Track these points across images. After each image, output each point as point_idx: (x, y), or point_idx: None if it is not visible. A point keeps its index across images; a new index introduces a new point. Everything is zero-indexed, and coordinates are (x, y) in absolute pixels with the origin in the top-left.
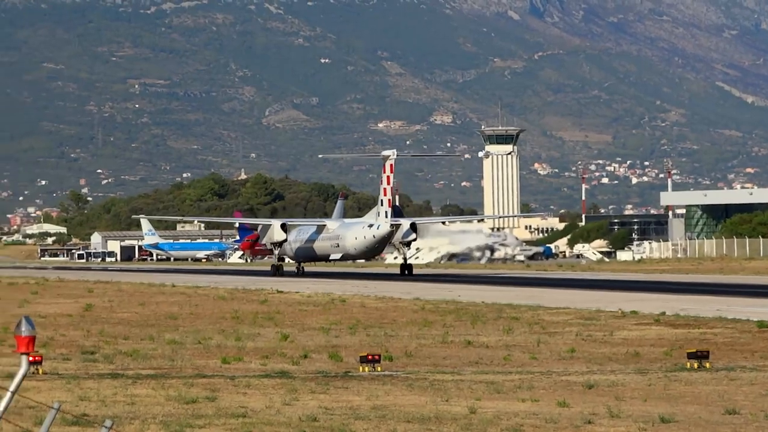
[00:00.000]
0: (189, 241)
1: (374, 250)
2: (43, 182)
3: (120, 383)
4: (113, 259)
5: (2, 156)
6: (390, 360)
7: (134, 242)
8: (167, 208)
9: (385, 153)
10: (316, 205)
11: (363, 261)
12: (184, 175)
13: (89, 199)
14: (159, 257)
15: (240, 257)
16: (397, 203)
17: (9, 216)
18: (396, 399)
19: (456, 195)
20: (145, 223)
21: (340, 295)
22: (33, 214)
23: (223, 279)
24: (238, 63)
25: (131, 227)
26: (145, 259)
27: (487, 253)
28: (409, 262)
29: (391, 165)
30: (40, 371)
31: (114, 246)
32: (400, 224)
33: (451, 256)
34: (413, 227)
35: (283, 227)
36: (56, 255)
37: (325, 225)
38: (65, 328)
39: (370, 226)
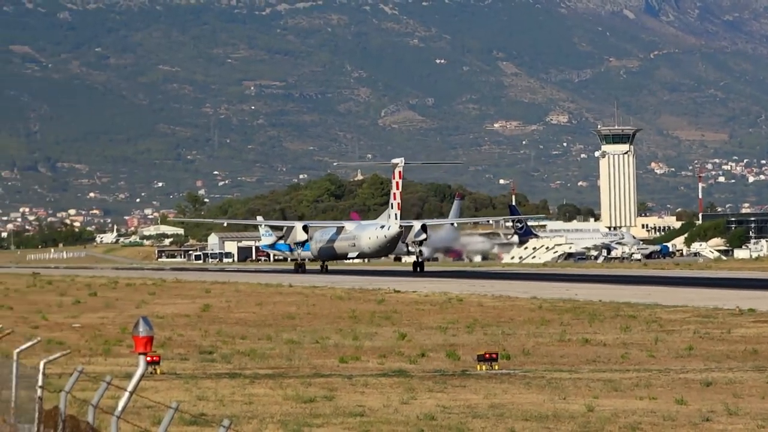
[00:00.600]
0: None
1: (386, 248)
2: (160, 184)
3: (238, 383)
4: (230, 260)
5: (119, 158)
6: (507, 359)
7: (251, 243)
8: (284, 209)
9: (395, 161)
10: (433, 205)
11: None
12: (301, 176)
13: (206, 200)
14: (276, 258)
15: None
16: (513, 202)
17: (126, 218)
18: (513, 397)
19: (573, 195)
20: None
21: (457, 294)
22: (150, 216)
23: (339, 279)
24: (353, 64)
25: (248, 228)
26: (261, 260)
27: (604, 252)
28: (421, 260)
29: (400, 172)
30: (158, 371)
31: (231, 247)
32: (412, 225)
33: (568, 256)
34: (424, 228)
35: (305, 229)
36: (173, 256)
37: (343, 227)
38: (183, 328)
39: (382, 227)
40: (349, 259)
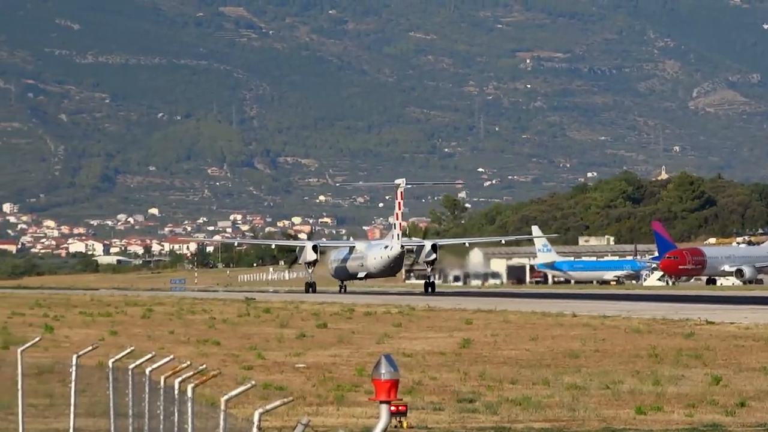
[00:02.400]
0: (594, 259)
1: (391, 269)
2: (409, 186)
3: None
4: (498, 282)
5: (358, 151)
6: None
7: (525, 261)
8: (566, 216)
9: (397, 181)
10: (757, 212)
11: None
12: (589, 174)
13: (467, 205)
14: (555, 279)
15: (659, 279)
16: None
17: (366, 228)
18: None
19: None
20: (538, 237)
21: None
22: None
23: (635, 306)
24: (657, 30)
25: (520, 242)
26: (539, 282)
27: None
28: (432, 280)
29: (401, 192)
30: (405, 425)
31: (499, 265)
32: (423, 245)
33: None
34: (434, 248)
35: (315, 249)
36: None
37: (354, 247)
38: (436, 369)
39: (386, 247)
40: (359, 279)
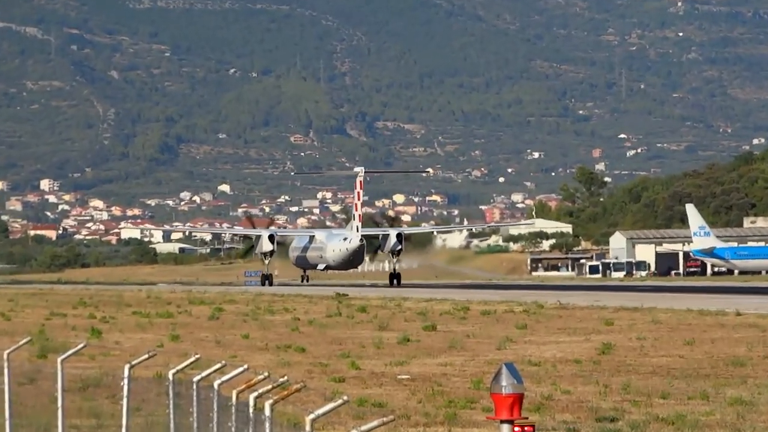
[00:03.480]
0: (763, 244)
1: (350, 262)
2: (536, 154)
3: None
4: (644, 273)
5: (474, 113)
6: None
7: (677, 247)
8: (728, 193)
9: (356, 170)
10: None
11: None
12: (755, 141)
13: (607, 179)
14: (715, 269)
15: None
16: None
17: (483, 207)
18: None
19: None
20: (694, 216)
21: None
22: (519, 204)
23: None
24: None
25: (671, 224)
26: (695, 272)
27: None
28: (397, 271)
29: (361, 182)
30: None
31: (646, 253)
32: (388, 234)
33: None
34: (399, 238)
35: (271, 238)
36: (556, 268)
37: (314, 236)
38: (570, 380)
39: (345, 239)
40: (319, 270)
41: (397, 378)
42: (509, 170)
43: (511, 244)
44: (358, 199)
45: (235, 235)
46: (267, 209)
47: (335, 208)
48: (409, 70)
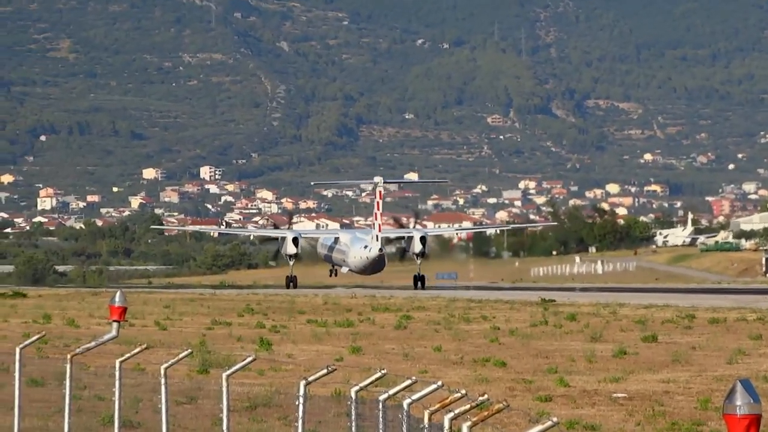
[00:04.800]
0: None
1: (371, 269)
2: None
3: None
4: None
5: (698, 90)
6: None
7: None
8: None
9: (376, 179)
10: None
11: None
12: None
13: None
14: None
15: None
16: None
17: (709, 199)
18: None
19: None
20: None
21: None
22: (752, 195)
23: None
24: None
25: None
26: None
27: None
28: (422, 274)
29: (380, 192)
30: None
31: None
32: (412, 236)
33: None
34: (422, 240)
35: (295, 241)
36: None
37: (338, 237)
38: None
39: (365, 247)
40: (343, 272)
41: (611, 397)
42: (740, 156)
43: (743, 241)
44: (378, 209)
45: (265, 238)
46: (461, 201)
47: (540, 200)
48: (624, 41)
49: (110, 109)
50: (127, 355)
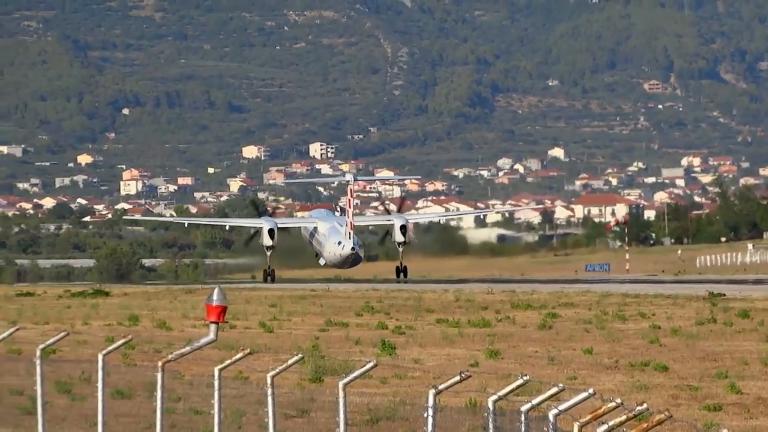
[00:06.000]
0: None
1: (344, 264)
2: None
3: None
4: None
5: None
6: None
7: None
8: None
9: (347, 176)
10: None
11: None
12: None
13: None
14: None
15: None
16: None
17: None
18: None
19: None
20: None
21: None
22: None
23: None
24: None
25: None
26: None
27: None
28: (404, 265)
29: (351, 189)
30: None
31: None
32: (392, 224)
33: None
34: (402, 229)
35: (271, 233)
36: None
37: (317, 227)
38: None
39: (339, 243)
40: (320, 265)
41: None
42: None
43: None
44: (350, 207)
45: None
46: (613, 181)
47: (706, 178)
48: None
49: (204, 77)
50: (228, 361)
